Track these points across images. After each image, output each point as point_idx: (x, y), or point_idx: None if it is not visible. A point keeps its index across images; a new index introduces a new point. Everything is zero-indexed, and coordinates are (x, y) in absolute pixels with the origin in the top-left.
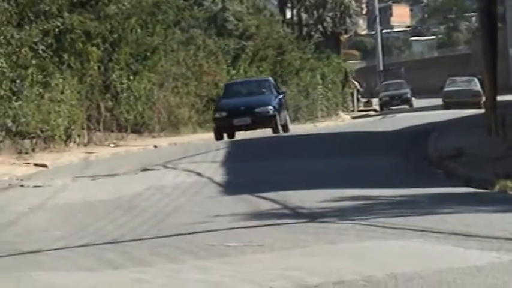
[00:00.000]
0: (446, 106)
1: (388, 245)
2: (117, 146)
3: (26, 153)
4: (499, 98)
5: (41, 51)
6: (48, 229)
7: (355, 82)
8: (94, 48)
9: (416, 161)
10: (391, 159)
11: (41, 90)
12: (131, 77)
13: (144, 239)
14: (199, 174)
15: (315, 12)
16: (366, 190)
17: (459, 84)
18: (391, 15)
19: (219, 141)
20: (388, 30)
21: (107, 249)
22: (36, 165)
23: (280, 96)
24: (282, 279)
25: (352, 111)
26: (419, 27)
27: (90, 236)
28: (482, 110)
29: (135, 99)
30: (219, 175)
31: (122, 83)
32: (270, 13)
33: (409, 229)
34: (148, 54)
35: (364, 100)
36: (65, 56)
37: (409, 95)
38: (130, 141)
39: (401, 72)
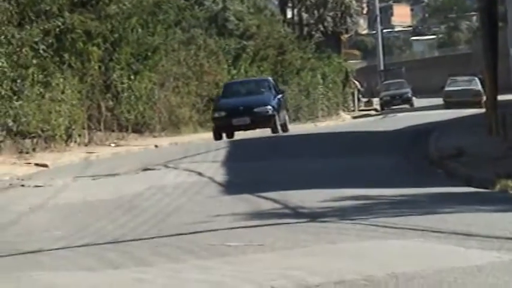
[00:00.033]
0: (447, 106)
1: (389, 245)
2: (118, 145)
3: (27, 153)
4: (500, 97)
5: (41, 51)
6: (48, 229)
7: (355, 82)
8: (95, 48)
9: (417, 160)
10: (391, 159)
11: (41, 89)
12: (132, 77)
13: (145, 238)
14: (200, 173)
15: (315, 11)
16: (367, 190)
17: (460, 83)
18: (391, 14)
19: (219, 141)
20: (389, 30)
21: (107, 249)
22: (37, 165)
23: (279, 96)
24: (282, 279)
25: (353, 110)
26: (420, 27)
27: (91, 236)
28: (483, 110)
29: (136, 98)
30: (220, 175)
31: (122, 83)
32: (270, 13)
33: (410, 229)
34: (149, 53)
35: (364, 100)
36: (66, 55)
37: (409, 95)
38: (131, 140)
39: (402, 72)
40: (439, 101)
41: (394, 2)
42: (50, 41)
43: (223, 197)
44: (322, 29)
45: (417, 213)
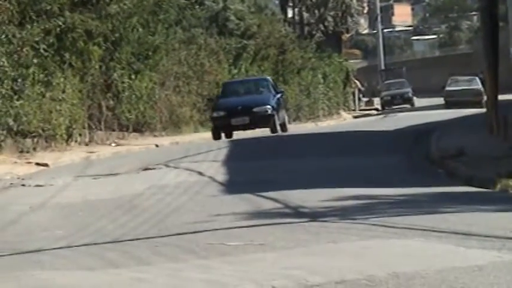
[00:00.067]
0: (448, 105)
1: (390, 244)
2: (118, 145)
3: (28, 152)
4: (501, 97)
5: (42, 51)
6: (49, 228)
7: (356, 81)
8: (95, 48)
9: (417, 160)
10: (392, 159)
11: (42, 89)
12: (133, 76)
13: (145, 238)
14: (200, 173)
15: (316, 11)
16: (367, 189)
17: (460, 83)
18: (392, 14)
19: (219, 141)
20: (390, 30)
21: (108, 249)
22: (37, 164)
23: (279, 95)
24: (283, 279)
25: (354, 110)
26: (420, 27)
27: (91, 235)
28: (484, 109)
29: (137, 98)
30: (221, 174)
31: (123, 82)
32: (271, 12)
33: (411, 228)
34: (150, 53)
35: (365, 99)
36: (67, 55)
37: (410, 94)
38: (131, 140)
39: (402, 72)
40: (440, 100)
41: (394, 2)
42: (51, 40)
43: (224, 196)
44: (322, 28)
45: (418, 212)
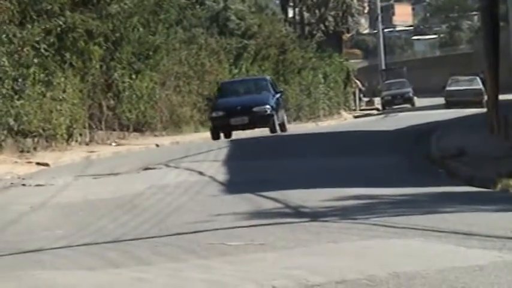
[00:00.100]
0: (448, 105)
1: (390, 244)
2: (119, 144)
3: (28, 152)
4: (501, 97)
5: (43, 50)
6: (49, 228)
7: (357, 81)
8: (96, 47)
9: (418, 160)
10: (393, 158)
11: (43, 89)
12: (133, 76)
13: (146, 238)
14: (201, 173)
15: (317, 11)
16: (368, 189)
17: (461, 83)
18: (393, 14)
19: (221, 140)
20: (390, 29)
21: (108, 248)
22: (38, 164)
23: (278, 95)
24: (284, 278)
25: (354, 110)
26: (421, 26)
27: (92, 235)
28: (484, 109)
29: (137, 98)
30: (221, 174)
31: (124, 82)
32: (272, 12)
33: (411, 228)
34: (151, 53)
35: (366, 99)
36: (67, 54)
37: (411, 94)
38: (132, 140)
39: (403, 72)
40: (441, 100)
41: (395, 2)
42: (52, 40)
43: (225, 196)
44: (323, 28)
45: (418, 212)
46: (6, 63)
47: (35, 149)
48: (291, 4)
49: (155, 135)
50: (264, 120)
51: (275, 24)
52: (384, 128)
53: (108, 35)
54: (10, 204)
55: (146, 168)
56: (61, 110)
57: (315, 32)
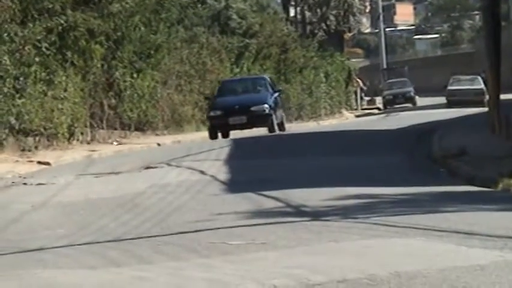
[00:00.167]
0: (450, 104)
1: (391, 244)
2: (120, 144)
3: (29, 150)
4: (503, 96)
5: (44, 49)
6: (51, 227)
7: (358, 80)
8: (97, 46)
9: (419, 159)
10: (394, 158)
11: (44, 87)
12: (134, 75)
13: (147, 237)
14: (202, 172)
15: (318, 10)
16: (369, 188)
17: (462, 82)
18: (394, 13)
19: (220, 140)
20: (392, 29)
21: (109, 247)
22: (39, 162)
23: (276, 94)
24: (285, 278)
25: (356, 109)
26: (422, 26)
27: (93, 234)
28: (486, 109)
29: (139, 97)
30: (222, 173)
31: (125, 81)
32: (273, 11)
33: (412, 227)
34: (152, 52)
35: (367, 98)
36: (69, 53)
37: (412, 94)
38: (133, 139)
39: (404, 71)
40: (442, 100)
41: (396, 1)
42: (53, 39)
43: (226, 195)
44: (325, 27)
45: (419, 212)
46: (8, 62)
47: (36, 147)
48: (293, 3)
49: (156, 134)
50: (263, 119)
51: (276, 23)
52: (385, 127)
53: (109, 33)
54: (11, 203)
55: (147, 167)
56: (62, 108)
57: (316, 31)
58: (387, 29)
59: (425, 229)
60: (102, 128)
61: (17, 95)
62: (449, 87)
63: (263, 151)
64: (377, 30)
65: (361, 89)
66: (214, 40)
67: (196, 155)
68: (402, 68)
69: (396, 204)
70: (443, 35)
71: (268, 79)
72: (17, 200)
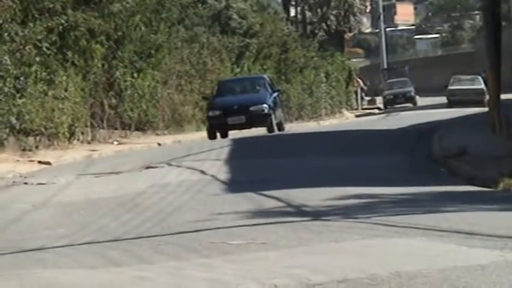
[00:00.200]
0: (450, 104)
1: (392, 243)
2: (120, 143)
3: (30, 150)
4: (503, 96)
5: (45, 49)
6: (51, 227)
7: (359, 80)
8: (98, 46)
9: (420, 159)
10: (394, 158)
11: (44, 87)
12: (135, 75)
13: (147, 236)
14: (202, 172)
15: (319, 10)
16: (370, 188)
17: (463, 82)
18: (395, 13)
19: (221, 140)
20: (392, 29)
21: (110, 247)
22: (39, 162)
23: (275, 94)
24: (285, 277)
25: (356, 109)
26: (423, 26)
27: (93, 234)
28: (486, 109)
29: (139, 96)
30: (223, 173)
31: (125, 81)
32: (274, 11)
33: (412, 227)
34: (152, 51)
35: (368, 98)
36: (69, 53)
37: (413, 93)
38: (134, 138)
39: (405, 71)
40: (442, 99)
41: (397, 1)
42: (53, 38)
43: (226, 195)
44: (325, 27)
45: (420, 211)
46: (8, 62)
47: (37, 147)
48: (293, 3)
49: (157, 134)
50: (261, 119)
51: (277, 23)
52: (386, 127)
53: (110, 33)
54: (12, 203)
55: (148, 167)
56: (63, 108)
57: (316, 31)
58: (388, 29)
59: (425, 229)
60: (103, 128)
61: (18, 95)
62: (450, 87)
63: (264, 151)
64: (377, 30)
65: (362, 88)
66: (215, 40)
67: (197, 155)
68: (403, 68)
69: (397, 204)
70: (443, 34)
71: (267, 79)
72: (17, 199)
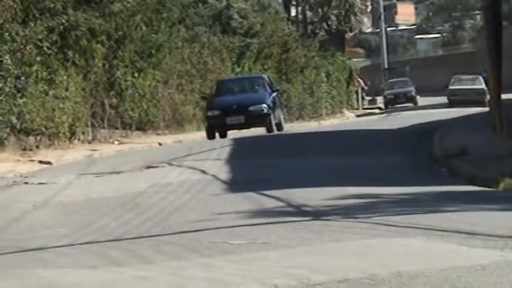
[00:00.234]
0: (451, 104)
1: (392, 243)
2: (121, 143)
3: (31, 150)
4: (504, 96)
5: (45, 48)
6: (52, 226)
7: (359, 80)
8: (99, 46)
9: (420, 159)
10: (395, 157)
11: (45, 87)
12: (136, 74)
13: (148, 236)
14: (203, 171)
15: (319, 10)
16: (370, 188)
17: (464, 82)
18: (395, 13)
19: (221, 140)
20: (393, 28)
21: (110, 247)
22: (40, 162)
23: (275, 93)
24: (286, 277)
25: (357, 109)
26: (424, 25)
27: (94, 234)
28: (487, 109)
29: (140, 96)
30: (224, 172)
31: (126, 80)
32: (274, 11)
33: (413, 227)
34: (153, 51)
35: (368, 98)
36: (70, 53)
37: (413, 93)
38: (134, 138)
39: (406, 71)
40: (443, 99)
41: (398, 1)
42: (54, 38)
43: (227, 194)
44: (326, 27)
45: (420, 211)
46: (9, 61)
47: (37, 147)
48: (294, 3)
49: (158, 134)
50: (261, 119)
51: (278, 23)
52: (386, 127)
53: (110, 33)
54: (13, 203)
55: (149, 167)
56: (63, 108)
57: (317, 31)
58: (388, 29)
59: (426, 229)
60: (103, 128)
61: (19, 95)
62: (451, 87)
63: (264, 151)
64: (378, 30)
65: (362, 88)
66: (216, 40)
67: (198, 155)
68: (403, 68)
69: (397, 203)
70: (444, 34)
71: (267, 78)
72: (18, 199)
